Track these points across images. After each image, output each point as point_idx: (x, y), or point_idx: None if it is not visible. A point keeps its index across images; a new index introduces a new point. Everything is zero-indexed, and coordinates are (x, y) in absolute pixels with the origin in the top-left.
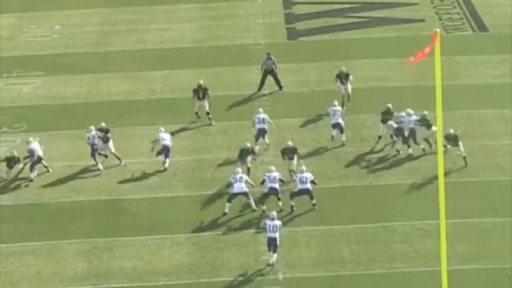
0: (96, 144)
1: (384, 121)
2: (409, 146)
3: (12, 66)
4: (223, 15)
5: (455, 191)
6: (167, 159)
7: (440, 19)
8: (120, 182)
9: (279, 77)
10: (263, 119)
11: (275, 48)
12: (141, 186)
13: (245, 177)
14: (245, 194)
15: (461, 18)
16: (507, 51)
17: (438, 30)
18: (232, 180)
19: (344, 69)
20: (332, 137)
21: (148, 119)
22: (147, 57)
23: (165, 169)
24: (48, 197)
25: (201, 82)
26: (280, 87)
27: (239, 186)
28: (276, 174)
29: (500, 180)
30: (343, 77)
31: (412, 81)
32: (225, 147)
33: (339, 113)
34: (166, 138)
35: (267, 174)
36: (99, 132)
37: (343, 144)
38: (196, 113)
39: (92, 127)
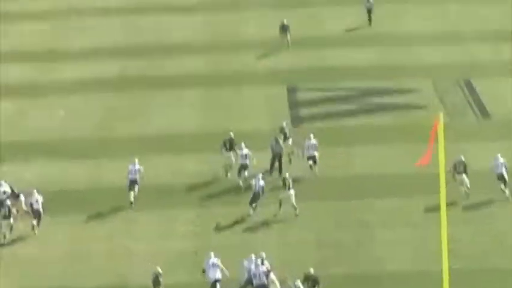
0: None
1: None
2: None
3: (15, 150)
4: (226, 101)
5: None
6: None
7: (443, 105)
8: (125, 266)
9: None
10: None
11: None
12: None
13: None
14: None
15: (465, 105)
16: (510, 138)
17: (441, 116)
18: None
19: None
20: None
21: (151, 204)
22: (149, 143)
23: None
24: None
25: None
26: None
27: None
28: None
29: None
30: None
31: (415, 167)
32: (227, 232)
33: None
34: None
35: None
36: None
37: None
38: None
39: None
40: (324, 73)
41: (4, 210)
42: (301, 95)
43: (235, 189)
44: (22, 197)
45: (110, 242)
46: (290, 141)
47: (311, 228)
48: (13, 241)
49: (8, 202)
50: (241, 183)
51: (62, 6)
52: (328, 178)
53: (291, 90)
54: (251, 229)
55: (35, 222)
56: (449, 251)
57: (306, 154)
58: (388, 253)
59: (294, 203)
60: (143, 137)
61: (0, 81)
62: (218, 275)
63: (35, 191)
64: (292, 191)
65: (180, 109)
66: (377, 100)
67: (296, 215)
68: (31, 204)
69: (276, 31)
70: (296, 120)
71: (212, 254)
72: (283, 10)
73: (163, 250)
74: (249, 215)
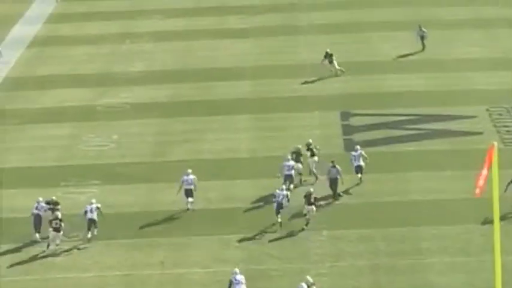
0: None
1: None
2: None
3: (69, 175)
4: (279, 126)
5: None
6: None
7: (498, 132)
8: None
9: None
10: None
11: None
12: None
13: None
14: None
15: None
16: None
17: (495, 143)
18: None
19: None
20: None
21: (204, 229)
22: (202, 167)
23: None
24: None
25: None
26: (335, 197)
27: None
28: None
29: None
30: None
31: (470, 193)
32: (276, 257)
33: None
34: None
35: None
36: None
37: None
38: None
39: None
40: (378, 98)
41: (55, 223)
42: (355, 120)
43: (287, 216)
44: (58, 213)
45: (163, 267)
46: (316, 158)
47: (365, 253)
48: (66, 264)
49: (59, 214)
50: (288, 194)
51: (116, 31)
52: (383, 204)
53: (344, 116)
54: (304, 254)
55: (89, 234)
56: (503, 283)
57: (355, 164)
58: (443, 280)
59: (309, 219)
60: (196, 161)
61: (56, 106)
62: None
63: (93, 200)
64: (313, 207)
65: (232, 133)
66: (431, 126)
67: (302, 229)
68: (85, 213)
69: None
70: (349, 146)
71: (237, 270)
72: (335, 35)
73: (216, 275)
74: (277, 223)
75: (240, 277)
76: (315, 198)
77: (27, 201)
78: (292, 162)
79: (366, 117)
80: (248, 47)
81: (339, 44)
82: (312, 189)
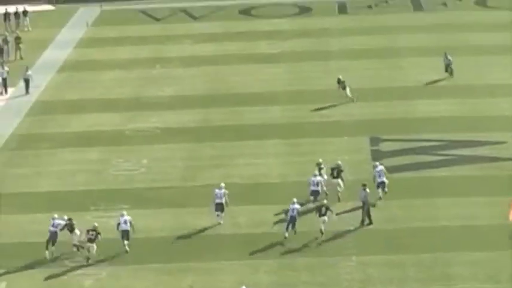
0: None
1: None
2: None
3: (99, 199)
4: (309, 151)
5: None
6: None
7: None
8: None
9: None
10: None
11: (359, 185)
12: None
13: None
14: None
15: None
16: None
17: None
18: None
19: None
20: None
21: (234, 253)
22: (232, 192)
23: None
24: None
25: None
26: (370, 222)
27: None
28: None
29: None
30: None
31: (501, 219)
32: (305, 282)
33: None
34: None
35: None
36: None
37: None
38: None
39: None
40: (407, 124)
41: (91, 233)
42: (384, 146)
43: (316, 241)
44: (77, 231)
45: None
46: (326, 177)
47: (394, 279)
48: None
49: (96, 225)
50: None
51: (146, 56)
52: (412, 229)
53: (374, 141)
54: (333, 279)
55: (126, 246)
56: None
57: (378, 180)
58: None
59: (323, 229)
60: (226, 186)
61: (86, 130)
62: None
63: (124, 212)
64: (325, 218)
65: (262, 158)
66: (460, 152)
67: (316, 238)
68: (118, 225)
69: (359, 81)
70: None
71: None
72: (365, 60)
73: None
74: (285, 238)
75: None
76: (327, 208)
77: None
78: (319, 178)
79: (395, 143)
80: (278, 72)
81: (368, 70)
82: (325, 201)
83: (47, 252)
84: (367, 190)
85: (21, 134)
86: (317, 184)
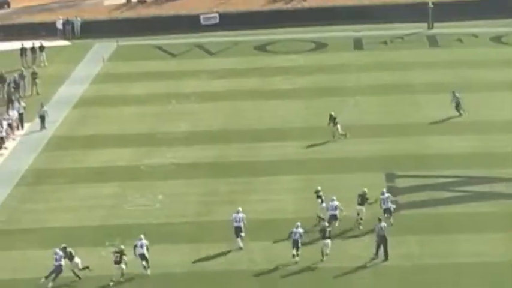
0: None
1: None
2: None
3: (115, 234)
4: (325, 187)
5: None
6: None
7: None
8: None
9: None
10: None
11: (375, 221)
12: None
13: None
14: None
15: None
16: None
17: None
18: None
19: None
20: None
21: None
22: (248, 227)
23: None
24: None
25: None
26: (386, 258)
27: None
28: None
29: None
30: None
31: None
32: None
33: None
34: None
35: None
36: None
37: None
38: None
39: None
40: (423, 160)
41: (116, 256)
42: (400, 182)
43: (332, 276)
44: (77, 260)
45: None
46: (324, 204)
47: None
48: None
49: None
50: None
51: (161, 91)
52: (429, 266)
53: (389, 177)
54: None
55: (147, 269)
56: None
57: (384, 207)
58: None
59: (327, 252)
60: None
61: (101, 165)
62: None
63: (142, 236)
64: (328, 241)
65: (278, 195)
66: (477, 188)
67: (321, 260)
68: (135, 247)
69: (374, 116)
70: (396, 208)
71: None
72: (381, 96)
73: None
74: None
75: None
76: (329, 231)
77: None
78: (336, 203)
79: (411, 179)
80: (294, 107)
81: (384, 105)
82: (326, 224)
83: (50, 283)
84: (383, 224)
85: (37, 169)
86: (335, 208)
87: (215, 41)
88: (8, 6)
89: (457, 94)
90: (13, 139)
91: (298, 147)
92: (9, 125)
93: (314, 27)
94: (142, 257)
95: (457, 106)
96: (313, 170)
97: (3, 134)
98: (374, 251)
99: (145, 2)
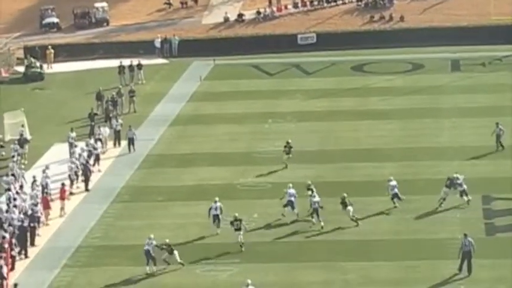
0: None
1: None
2: None
3: (210, 252)
4: (422, 207)
5: None
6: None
7: None
8: None
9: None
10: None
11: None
12: None
13: None
14: None
15: None
16: None
17: None
18: None
19: None
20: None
21: None
22: (342, 248)
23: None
24: None
25: None
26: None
27: None
28: None
29: None
30: None
31: None
32: None
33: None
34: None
35: None
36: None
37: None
38: None
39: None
40: None
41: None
42: (496, 204)
43: None
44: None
45: None
46: (317, 197)
47: None
48: None
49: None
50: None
51: (258, 110)
52: None
53: (486, 200)
54: None
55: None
56: None
57: (391, 192)
58: None
59: (353, 217)
60: (336, 242)
61: (197, 184)
62: None
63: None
64: (351, 207)
65: (373, 215)
66: None
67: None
68: (210, 209)
69: (469, 138)
70: (491, 230)
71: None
72: (477, 118)
73: None
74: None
75: None
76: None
77: (169, 277)
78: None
79: (507, 202)
80: (391, 128)
81: (480, 128)
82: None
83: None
84: (470, 239)
85: (133, 186)
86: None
87: (312, 60)
88: (107, 24)
89: (500, 126)
90: (103, 153)
91: (395, 167)
92: (100, 140)
93: (411, 48)
94: (217, 218)
95: (498, 138)
96: (410, 191)
97: (99, 150)
98: (458, 267)
99: (243, 21)
